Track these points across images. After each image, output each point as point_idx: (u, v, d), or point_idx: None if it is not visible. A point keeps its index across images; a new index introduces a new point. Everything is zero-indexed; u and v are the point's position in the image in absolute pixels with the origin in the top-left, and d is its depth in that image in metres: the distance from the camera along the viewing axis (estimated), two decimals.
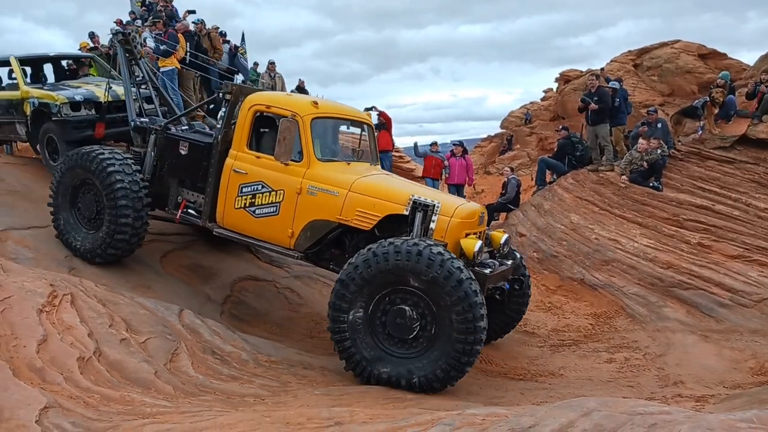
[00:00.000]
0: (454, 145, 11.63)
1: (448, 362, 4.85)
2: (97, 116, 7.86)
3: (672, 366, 6.60)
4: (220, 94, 6.50)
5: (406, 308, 4.95)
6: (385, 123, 11.08)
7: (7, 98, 8.73)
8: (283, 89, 13.37)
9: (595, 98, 10.69)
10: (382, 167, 11.16)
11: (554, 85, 33.20)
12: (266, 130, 6.11)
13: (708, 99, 10.97)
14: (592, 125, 11.00)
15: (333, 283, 5.35)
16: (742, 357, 6.87)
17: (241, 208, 5.88)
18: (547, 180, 12.22)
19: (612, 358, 6.88)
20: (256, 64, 13.85)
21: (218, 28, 12.32)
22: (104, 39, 11.95)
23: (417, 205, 5.45)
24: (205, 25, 11.56)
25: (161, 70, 10.18)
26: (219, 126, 6.31)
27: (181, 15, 12.52)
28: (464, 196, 10.28)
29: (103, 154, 6.47)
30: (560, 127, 13.70)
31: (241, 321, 6.80)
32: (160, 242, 7.80)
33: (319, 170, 5.73)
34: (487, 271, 5.34)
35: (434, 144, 12.19)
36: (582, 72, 28.59)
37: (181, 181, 6.56)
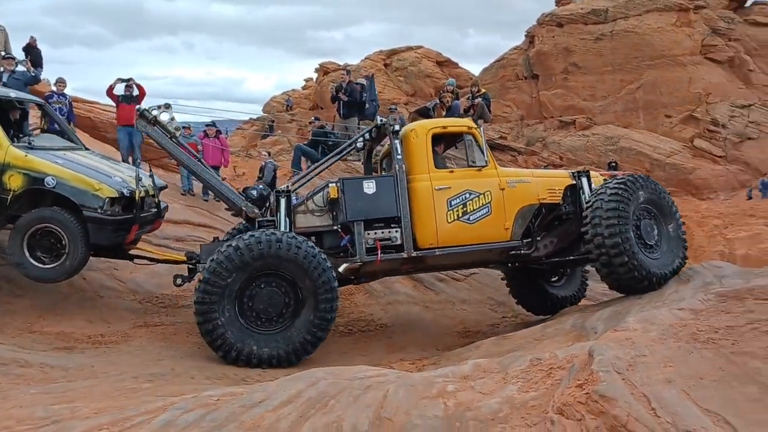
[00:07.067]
0: (206, 126, 11.23)
1: None
2: (132, 216, 6.17)
3: (399, 334, 7.53)
4: (385, 128, 6.66)
5: None
6: (138, 96, 10.14)
7: None
8: (6, 43, 11.43)
9: (346, 92, 11.44)
10: (132, 142, 10.32)
11: (314, 75, 34.30)
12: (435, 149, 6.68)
13: (438, 101, 12.56)
14: (343, 118, 11.76)
15: None
16: (453, 323, 8.15)
17: (455, 220, 6.38)
18: (303, 167, 12.67)
19: (349, 331, 7.55)
20: None
21: None
22: None
23: (580, 174, 7.11)
24: None
25: None
26: (398, 156, 6.41)
27: None
28: (223, 178, 10.07)
29: (299, 241, 5.86)
30: (313, 117, 14.30)
31: None
32: None
33: (501, 168, 6.90)
34: None
35: (187, 128, 11.46)
36: (340, 65, 30.14)
37: (366, 223, 6.32)
